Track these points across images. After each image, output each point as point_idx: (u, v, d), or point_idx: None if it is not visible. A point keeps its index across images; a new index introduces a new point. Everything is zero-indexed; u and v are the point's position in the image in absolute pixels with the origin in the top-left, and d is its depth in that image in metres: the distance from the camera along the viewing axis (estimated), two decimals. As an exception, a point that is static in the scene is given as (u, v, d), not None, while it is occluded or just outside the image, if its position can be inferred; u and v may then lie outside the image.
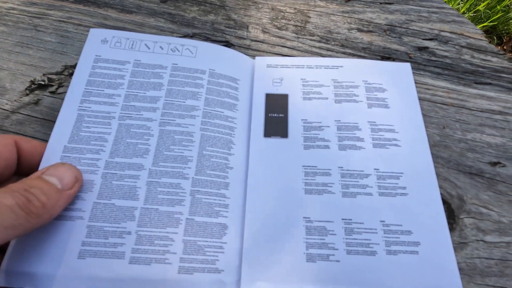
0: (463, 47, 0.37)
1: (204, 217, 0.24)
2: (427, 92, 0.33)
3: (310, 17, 0.39)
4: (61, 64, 0.34)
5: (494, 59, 0.36)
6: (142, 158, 0.26)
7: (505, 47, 1.51)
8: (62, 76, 0.33)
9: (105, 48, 0.30)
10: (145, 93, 0.29)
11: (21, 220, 0.18)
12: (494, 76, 0.34)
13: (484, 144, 0.30)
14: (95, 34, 0.31)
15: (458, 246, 0.25)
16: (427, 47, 0.36)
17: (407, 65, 0.34)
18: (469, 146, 0.30)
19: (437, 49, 0.36)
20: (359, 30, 0.38)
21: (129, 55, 0.30)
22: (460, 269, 0.24)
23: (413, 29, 0.38)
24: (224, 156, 0.27)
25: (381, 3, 0.40)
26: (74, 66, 0.34)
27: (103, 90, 0.28)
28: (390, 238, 0.25)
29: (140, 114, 0.28)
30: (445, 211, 0.26)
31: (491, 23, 1.41)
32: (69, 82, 0.29)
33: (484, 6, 1.34)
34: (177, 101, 0.29)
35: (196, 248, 0.23)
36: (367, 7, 0.40)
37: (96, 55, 0.30)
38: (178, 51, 0.31)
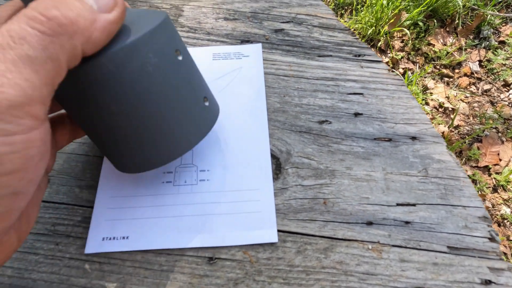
0: (314, 26, 0.42)
1: None
2: (272, 67, 0.37)
3: (183, 11, 0.43)
4: None
5: (340, 35, 0.41)
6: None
7: (447, 29, 1.61)
8: None
9: None
10: None
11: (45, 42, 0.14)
12: (336, 49, 0.39)
13: (316, 107, 0.35)
14: None
15: (280, 191, 0.30)
16: (283, 29, 0.41)
17: (259, 46, 0.39)
18: (303, 109, 0.35)
19: (291, 30, 0.41)
20: (225, 19, 0.42)
21: None
22: (278, 210, 0.29)
23: (273, 14, 0.43)
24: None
25: (248, -6, 0.45)
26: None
27: None
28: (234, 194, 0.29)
29: None
30: (274, 164, 0.31)
31: (430, 7, 1.50)
32: None
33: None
34: None
35: None
36: (235, -2, 0.44)
37: None
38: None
